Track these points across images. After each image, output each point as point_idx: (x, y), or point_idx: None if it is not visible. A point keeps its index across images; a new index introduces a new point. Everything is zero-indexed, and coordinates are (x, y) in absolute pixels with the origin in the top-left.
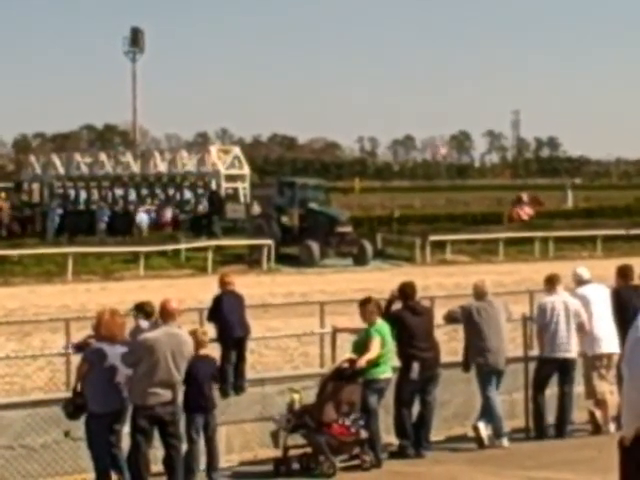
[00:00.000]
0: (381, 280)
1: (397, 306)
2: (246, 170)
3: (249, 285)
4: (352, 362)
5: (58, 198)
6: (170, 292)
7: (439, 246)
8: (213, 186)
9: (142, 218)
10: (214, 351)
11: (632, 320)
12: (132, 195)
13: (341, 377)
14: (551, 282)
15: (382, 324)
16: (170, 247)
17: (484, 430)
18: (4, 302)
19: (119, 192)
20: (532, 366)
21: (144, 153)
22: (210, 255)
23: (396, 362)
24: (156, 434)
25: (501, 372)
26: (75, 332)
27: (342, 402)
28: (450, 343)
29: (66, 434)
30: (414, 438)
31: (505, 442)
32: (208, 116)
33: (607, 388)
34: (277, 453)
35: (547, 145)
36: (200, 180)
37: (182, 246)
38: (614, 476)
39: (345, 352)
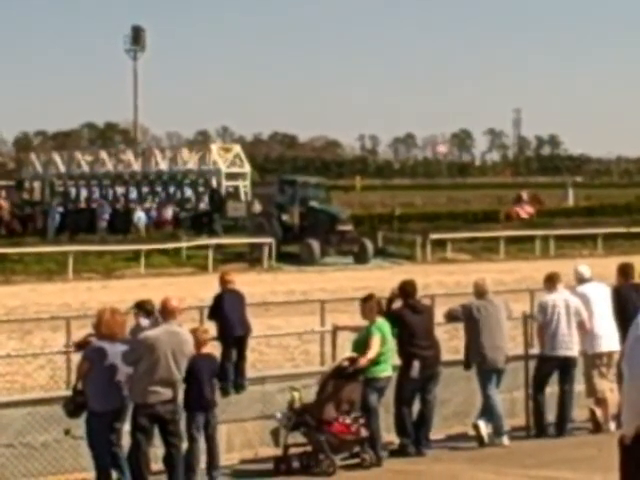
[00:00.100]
0: (382, 278)
1: (398, 304)
2: (247, 168)
3: (250, 283)
4: (352, 360)
5: (59, 196)
6: (171, 290)
7: (440, 244)
8: (214, 184)
9: (140, 217)
10: (215, 349)
11: (632, 318)
12: (133, 193)
13: (341, 375)
14: (551, 280)
15: (383, 322)
16: (171, 245)
17: (484, 428)
18: (5, 300)
19: (120, 190)
20: (532, 364)
21: (145, 151)
22: (211, 253)
23: (396, 360)
24: (156, 432)
25: (501, 370)
26: (76, 330)
27: (342, 400)
28: (451, 341)
29: (66, 432)
30: (414, 436)
31: (505, 440)
32: (209, 114)
33: (607, 386)
34: (277, 451)
35: (548, 143)
36: (201, 178)
37: (183, 244)
38: (614, 474)
39: (346, 350)
